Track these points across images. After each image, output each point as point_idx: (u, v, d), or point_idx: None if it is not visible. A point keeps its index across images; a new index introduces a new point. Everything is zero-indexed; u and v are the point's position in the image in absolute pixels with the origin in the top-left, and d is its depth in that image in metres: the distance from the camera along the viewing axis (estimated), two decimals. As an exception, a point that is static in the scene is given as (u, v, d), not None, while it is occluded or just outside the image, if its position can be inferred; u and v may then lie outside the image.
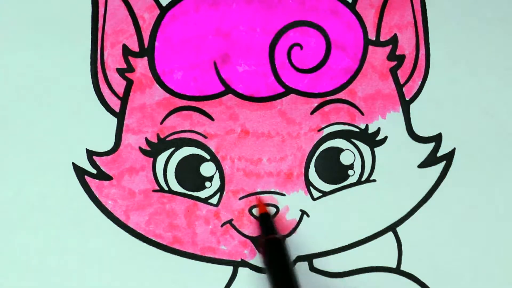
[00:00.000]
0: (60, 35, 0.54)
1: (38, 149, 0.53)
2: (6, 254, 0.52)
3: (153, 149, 0.53)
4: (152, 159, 0.53)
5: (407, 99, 0.54)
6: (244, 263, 0.53)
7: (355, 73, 0.54)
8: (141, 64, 0.54)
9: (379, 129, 0.54)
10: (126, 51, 0.54)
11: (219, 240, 0.53)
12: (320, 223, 0.53)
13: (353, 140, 0.53)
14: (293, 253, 0.53)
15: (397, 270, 0.53)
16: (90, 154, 0.53)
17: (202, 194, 0.53)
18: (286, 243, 0.52)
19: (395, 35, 0.54)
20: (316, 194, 0.53)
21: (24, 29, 0.54)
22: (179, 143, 0.53)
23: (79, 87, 0.53)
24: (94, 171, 0.53)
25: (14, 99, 0.53)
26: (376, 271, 0.53)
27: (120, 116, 0.53)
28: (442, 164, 0.54)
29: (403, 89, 0.54)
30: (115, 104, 0.53)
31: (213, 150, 0.53)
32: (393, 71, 0.54)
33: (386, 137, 0.54)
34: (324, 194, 0.53)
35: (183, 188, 0.53)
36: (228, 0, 0.54)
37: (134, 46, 0.54)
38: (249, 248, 0.53)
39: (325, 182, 0.53)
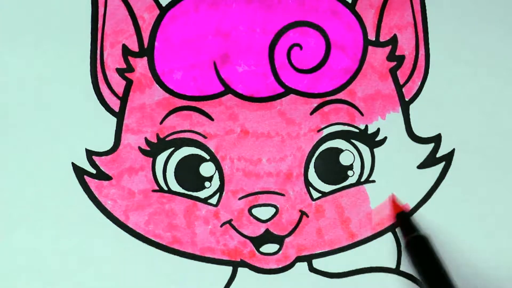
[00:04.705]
0: (60, 35, 0.54)
1: (37, 149, 0.53)
2: (5, 254, 0.52)
3: (152, 149, 0.53)
4: (151, 159, 0.53)
5: (406, 99, 0.54)
6: (244, 263, 0.53)
7: (354, 74, 0.54)
8: (140, 64, 0.54)
9: (378, 129, 0.54)
10: (126, 51, 0.54)
11: (218, 240, 0.53)
12: (320, 223, 0.53)
13: (353, 141, 0.53)
14: (293, 254, 0.53)
15: (396, 271, 0.53)
16: (90, 154, 0.53)
17: (202, 194, 0.53)
18: (431, 239, 0.51)
19: (395, 35, 0.54)
20: (315, 194, 0.53)
21: (24, 29, 0.54)
22: (178, 143, 0.53)
23: (78, 87, 0.53)
24: (94, 171, 0.53)
25: (14, 99, 0.53)
26: (376, 272, 0.53)
27: (119, 116, 0.53)
28: (442, 164, 0.54)
29: (403, 90, 0.54)
30: (115, 104, 0.53)
31: (213, 150, 0.53)
32: (393, 72, 0.54)
33: (385, 138, 0.54)
34: (324, 194, 0.53)
35: (183, 188, 0.53)
36: (228, 0, 0.54)
37: (134, 46, 0.54)
38: (248, 248, 0.53)
39: (325, 183, 0.53)
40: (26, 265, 0.52)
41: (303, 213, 0.53)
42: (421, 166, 0.54)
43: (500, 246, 0.53)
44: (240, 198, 0.53)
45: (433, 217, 0.53)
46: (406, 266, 0.53)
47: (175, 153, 0.53)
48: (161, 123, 0.53)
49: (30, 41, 0.54)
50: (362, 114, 0.54)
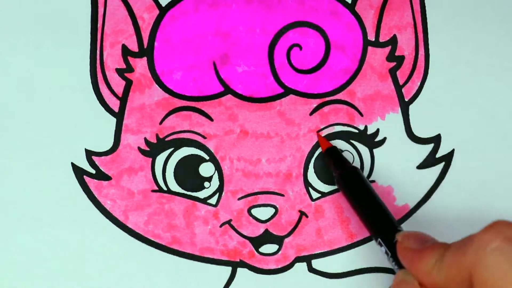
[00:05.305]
0: (60, 35, 0.54)
1: (37, 149, 0.53)
2: (5, 254, 0.52)
3: (152, 149, 0.53)
4: (151, 159, 0.53)
5: (406, 100, 0.54)
6: (243, 264, 0.53)
7: (354, 74, 0.54)
8: (140, 64, 0.54)
9: (378, 130, 0.54)
10: (126, 51, 0.54)
11: (217, 240, 0.53)
12: (319, 224, 0.53)
13: (352, 141, 0.53)
14: (292, 254, 0.53)
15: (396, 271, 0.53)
16: (89, 154, 0.53)
17: (201, 194, 0.53)
18: (360, 171, 0.52)
19: (395, 36, 0.54)
20: (315, 194, 0.53)
21: (24, 29, 0.54)
22: (178, 143, 0.53)
23: (78, 87, 0.53)
24: (93, 171, 0.53)
25: (14, 99, 0.53)
26: (375, 272, 0.53)
27: (119, 116, 0.53)
28: (441, 165, 0.54)
29: (402, 90, 0.54)
30: (114, 104, 0.53)
31: (212, 151, 0.53)
32: (393, 72, 0.54)
33: (385, 138, 0.54)
34: (323, 194, 0.53)
35: (182, 188, 0.53)
36: (228, 0, 0.54)
37: (134, 46, 0.54)
38: (248, 248, 0.53)
39: (324, 183, 0.53)
40: (26, 265, 0.52)
41: (302, 214, 0.53)
42: (421, 166, 0.54)
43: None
44: (239, 198, 0.53)
45: (432, 217, 0.53)
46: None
47: (175, 153, 0.53)
48: (160, 123, 0.53)
49: (30, 41, 0.54)
50: (361, 114, 0.54)
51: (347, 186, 0.51)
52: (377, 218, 0.49)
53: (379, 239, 0.48)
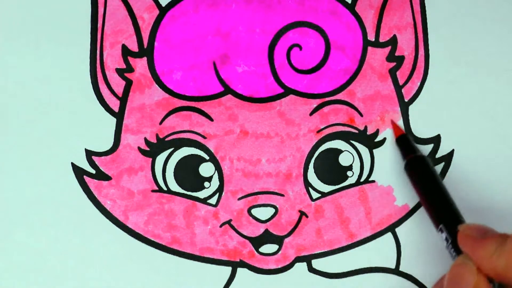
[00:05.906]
0: (60, 35, 0.54)
1: (37, 149, 0.53)
2: (5, 254, 0.52)
3: (152, 149, 0.53)
4: (151, 159, 0.53)
5: (406, 100, 0.54)
6: (243, 264, 0.53)
7: (354, 74, 0.54)
8: (140, 64, 0.54)
9: (377, 130, 0.54)
10: (126, 51, 0.54)
11: (217, 240, 0.53)
12: (319, 224, 0.53)
13: (352, 142, 0.53)
14: (292, 254, 0.53)
15: (396, 271, 0.53)
16: (89, 154, 0.53)
17: (201, 194, 0.53)
18: (429, 160, 0.52)
19: (394, 36, 0.54)
20: (315, 195, 0.53)
21: (24, 29, 0.54)
22: (178, 143, 0.53)
23: (78, 87, 0.53)
24: (93, 171, 0.53)
25: (14, 99, 0.53)
26: (375, 272, 0.53)
27: (119, 116, 0.53)
28: (441, 165, 0.54)
29: (402, 90, 0.54)
30: (114, 104, 0.54)
31: (212, 151, 0.53)
32: (392, 72, 0.54)
33: (385, 139, 0.54)
34: (323, 194, 0.53)
35: (182, 188, 0.53)
36: (228, 0, 0.54)
37: (134, 46, 0.54)
38: (247, 248, 0.53)
39: (324, 183, 0.53)
40: (26, 265, 0.52)
41: (302, 214, 0.53)
42: (421, 166, 0.54)
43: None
44: (239, 199, 0.53)
45: (432, 217, 0.53)
46: (406, 266, 0.53)
47: (175, 153, 0.53)
48: (160, 123, 0.53)
49: (30, 41, 0.54)
50: (361, 115, 0.54)
51: (415, 173, 0.51)
52: (441, 206, 0.49)
53: (440, 226, 0.48)
